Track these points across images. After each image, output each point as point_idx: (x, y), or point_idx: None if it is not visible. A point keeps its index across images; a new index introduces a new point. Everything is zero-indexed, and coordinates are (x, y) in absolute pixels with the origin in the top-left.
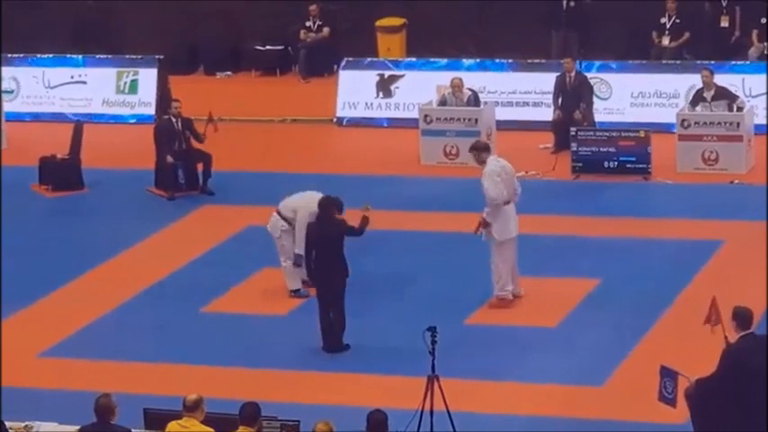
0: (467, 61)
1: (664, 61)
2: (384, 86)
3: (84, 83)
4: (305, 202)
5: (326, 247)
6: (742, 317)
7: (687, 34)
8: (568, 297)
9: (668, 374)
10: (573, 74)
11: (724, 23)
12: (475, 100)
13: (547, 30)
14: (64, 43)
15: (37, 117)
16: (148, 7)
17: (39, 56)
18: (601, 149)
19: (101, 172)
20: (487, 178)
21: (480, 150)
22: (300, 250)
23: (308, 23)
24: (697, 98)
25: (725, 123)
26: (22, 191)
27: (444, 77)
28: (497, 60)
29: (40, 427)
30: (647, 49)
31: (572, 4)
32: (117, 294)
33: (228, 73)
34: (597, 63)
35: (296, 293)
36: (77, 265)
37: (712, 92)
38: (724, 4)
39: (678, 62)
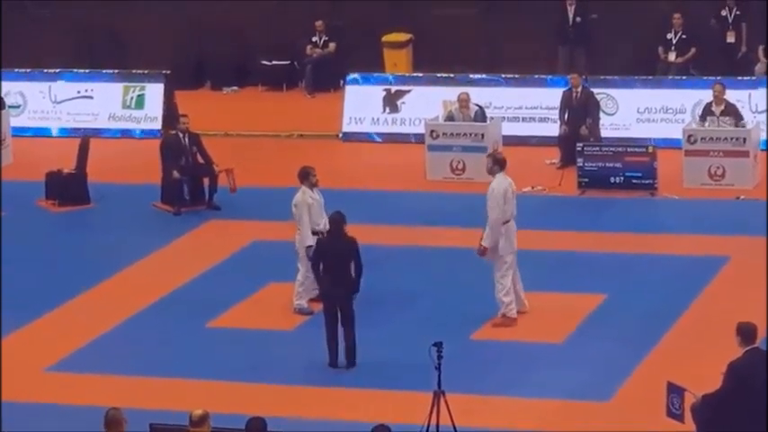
0: (473, 76)
1: (670, 77)
2: (390, 102)
3: (91, 98)
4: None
5: (337, 262)
6: (745, 332)
7: (693, 49)
8: (575, 313)
9: (675, 390)
10: (579, 89)
11: (730, 39)
12: (482, 115)
13: (553, 45)
14: (70, 58)
15: (43, 132)
16: (155, 22)
17: (45, 71)
18: (607, 165)
19: (107, 187)
20: (493, 199)
21: (495, 162)
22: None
23: (314, 39)
24: (706, 112)
25: (731, 139)
26: (28, 206)
27: (451, 93)
28: (504, 76)
29: None
30: (654, 65)
31: (578, 19)
32: (123, 309)
33: (235, 88)
34: (603, 78)
35: (300, 311)
36: (84, 280)
37: (722, 107)
38: (730, 20)
39: (684, 78)
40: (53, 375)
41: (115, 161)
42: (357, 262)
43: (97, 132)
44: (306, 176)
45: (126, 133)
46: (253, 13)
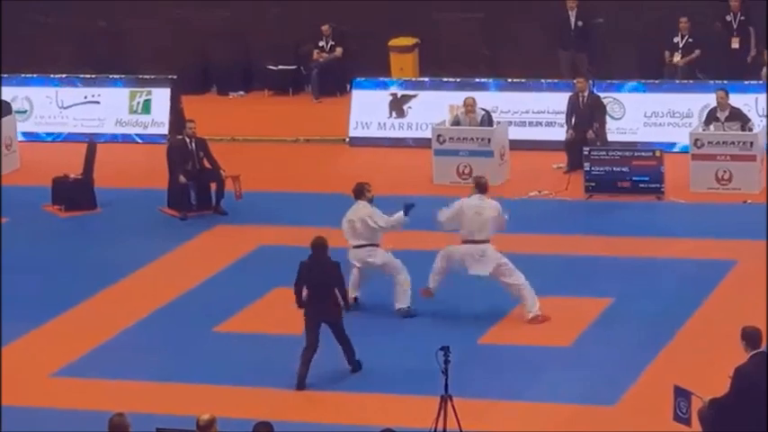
0: (480, 80)
1: (677, 81)
2: (397, 106)
3: (98, 103)
4: (351, 214)
5: (322, 289)
6: (751, 336)
7: (698, 51)
8: (582, 316)
9: (682, 394)
10: (586, 93)
11: (735, 45)
12: (488, 120)
13: (558, 49)
14: (77, 63)
15: (50, 137)
16: (161, 27)
17: (52, 76)
18: (614, 169)
19: (114, 192)
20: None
21: (476, 185)
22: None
23: (320, 43)
24: (710, 118)
25: (738, 143)
26: (35, 211)
27: (457, 97)
28: (510, 80)
29: None
30: (661, 69)
31: (580, 23)
32: (130, 314)
33: (241, 93)
34: (610, 82)
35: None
36: (91, 285)
37: (726, 112)
38: (735, 25)
39: (691, 82)
40: (59, 380)
41: (122, 166)
42: (342, 285)
43: (104, 137)
44: (362, 192)
45: (133, 138)
46: (259, 18)
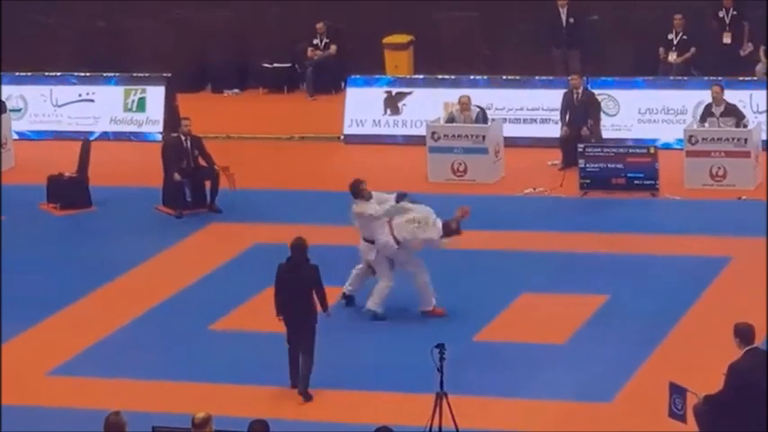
0: (474, 78)
1: (671, 77)
2: (392, 103)
3: (92, 101)
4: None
5: (299, 291)
6: (744, 333)
7: (693, 49)
8: (577, 314)
9: (677, 391)
10: (580, 90)
11: (726, 40)
12: (483, 117)
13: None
14: (76, 64)
15: (44, 135)
16: (156, 26)
17: (46, 74)
18: (609, 166)
19: (109, 190)
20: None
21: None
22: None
23: (315, 41)
24: (706, 113)
25: (732, 139)
26: (30, 210)
27: (452, 94)
28: (505, 77)
29: None
30: (655, 66)
31: (572, 20)
32: (125, 312)
33: (236, 90)
34: (604, 79)
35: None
36: (86, 284)
37: (722, 108)
38: (727, 21)
39: (686, 78)
40: (55, 379)
41: (116, 164)
42: (320, 287)
43: (98, 136)
44: (360, 190)
45: (127, 136)
46: (254, 16)
